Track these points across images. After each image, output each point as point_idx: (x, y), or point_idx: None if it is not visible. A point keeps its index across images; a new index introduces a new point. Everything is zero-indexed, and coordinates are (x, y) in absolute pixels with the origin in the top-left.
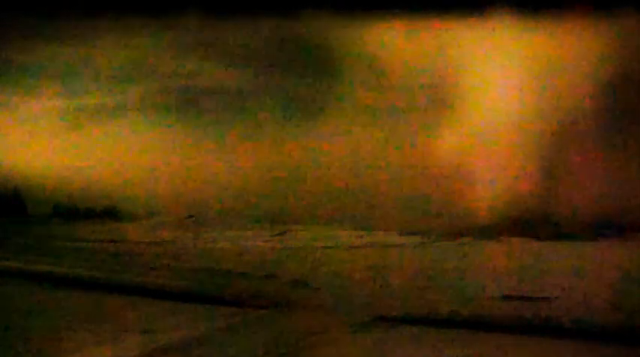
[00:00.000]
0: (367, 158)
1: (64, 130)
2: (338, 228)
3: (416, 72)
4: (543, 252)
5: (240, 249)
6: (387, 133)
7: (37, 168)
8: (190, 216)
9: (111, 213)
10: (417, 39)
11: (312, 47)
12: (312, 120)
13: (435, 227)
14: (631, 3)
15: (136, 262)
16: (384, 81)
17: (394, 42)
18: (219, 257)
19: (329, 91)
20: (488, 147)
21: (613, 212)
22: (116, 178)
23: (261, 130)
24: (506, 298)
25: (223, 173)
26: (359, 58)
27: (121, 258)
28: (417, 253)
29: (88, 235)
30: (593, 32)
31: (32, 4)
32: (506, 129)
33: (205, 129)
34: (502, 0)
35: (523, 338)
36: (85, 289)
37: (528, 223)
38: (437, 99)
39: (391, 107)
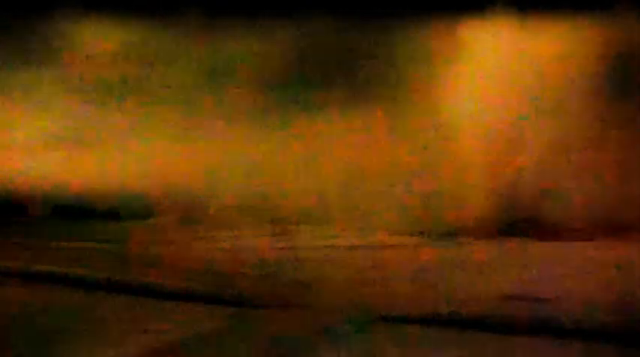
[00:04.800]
0: (367, 158)
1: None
2: (338, 228)
3: (417, 73)
4: (543, 252)
5: (240, 249)
6: (386, 134)
7: (38, 170)
8: (190, 216)
9: (111, 213)
10: (418, 39)
11: (314, 49)
12: (312, 121)
13: (434, 227)
14: (633, 2)
15: (136, 262)
16: (384, 82)
17: (394, 43)
18: (219, 257)
19: (329, 93)
20: (487, 146)
21: (612, 212)
22: (116, 178)
23: (262, 131)
24: (507, 298)
25: (223, 174)
26: (359, 59)
27: (121, 258)
28: (416, 253)
29: (88, 235)
30: (595, 32)
31: None
32: (506, 128)
33: (205, 130)
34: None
35: (523, 338)
36: (85, 289)
37: (528, 223)
38: (437, 99)
39: (390, 108)
